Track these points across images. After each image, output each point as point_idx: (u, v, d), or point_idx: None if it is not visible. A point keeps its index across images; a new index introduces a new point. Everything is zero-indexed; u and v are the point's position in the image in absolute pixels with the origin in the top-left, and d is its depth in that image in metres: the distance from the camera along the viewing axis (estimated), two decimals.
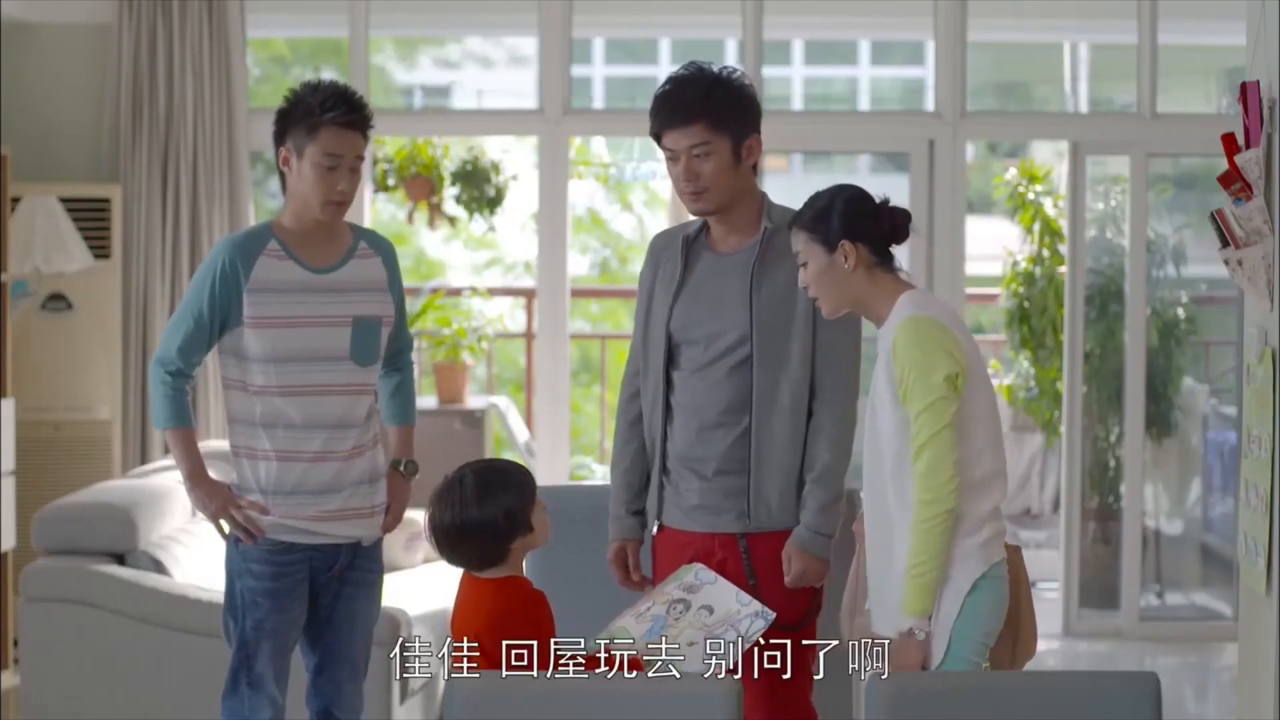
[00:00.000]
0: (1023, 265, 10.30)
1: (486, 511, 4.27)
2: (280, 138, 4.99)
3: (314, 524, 4.98)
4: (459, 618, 4.27)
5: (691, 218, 4.80)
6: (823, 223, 4.25)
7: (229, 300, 4.91)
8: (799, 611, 4.60)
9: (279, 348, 4.91)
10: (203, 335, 4.95)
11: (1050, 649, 8.83)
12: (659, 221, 16.28)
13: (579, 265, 16.69)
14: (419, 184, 9.82)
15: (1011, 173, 10.43)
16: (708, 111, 4.60)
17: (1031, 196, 10.31)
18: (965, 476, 4.14)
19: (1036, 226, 10.30)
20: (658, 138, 4.69)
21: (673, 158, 4.65)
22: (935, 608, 4.11)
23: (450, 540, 4.31)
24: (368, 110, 5.00)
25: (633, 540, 4.84)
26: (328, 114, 4.90)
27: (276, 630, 5.03)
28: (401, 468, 5.38)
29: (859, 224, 4.25)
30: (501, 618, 4.13)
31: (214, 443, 8.11)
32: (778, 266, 4.59)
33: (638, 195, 16.69)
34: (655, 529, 4.81)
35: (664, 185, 12.47)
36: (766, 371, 4.60)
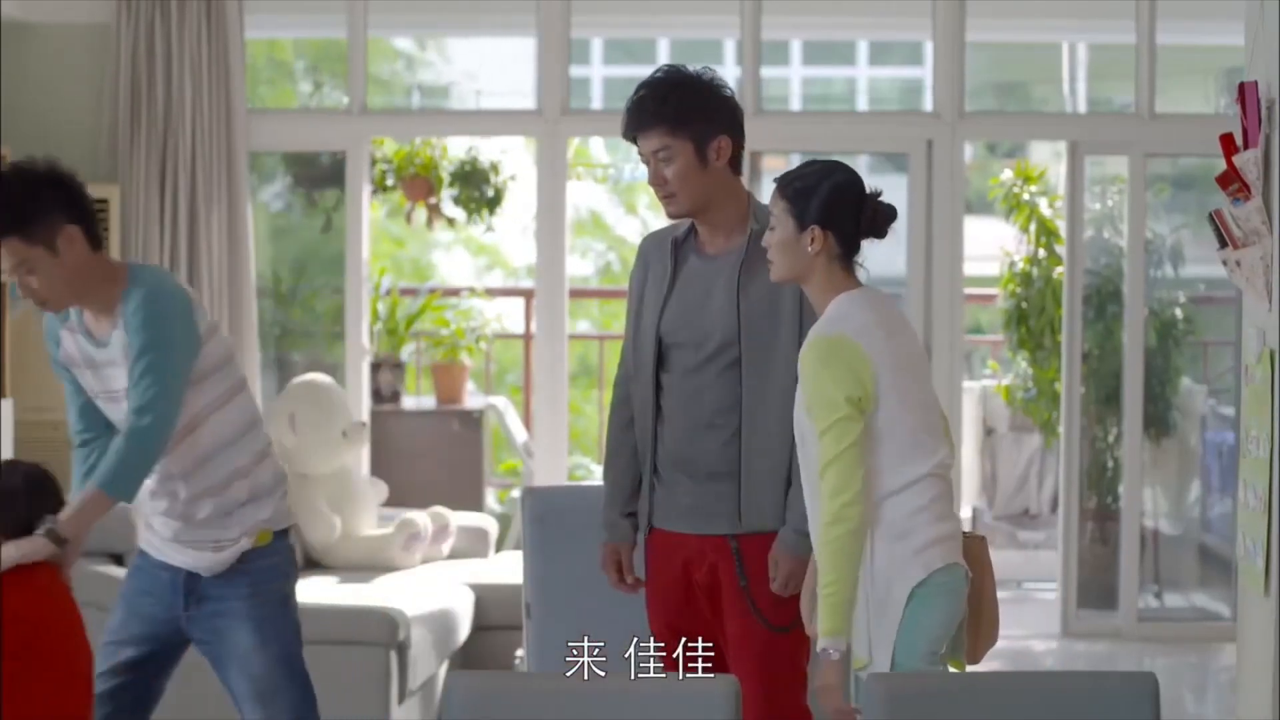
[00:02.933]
0: (1020, 266, 10.31)
1: None
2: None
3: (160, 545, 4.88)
4: None
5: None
6: (803, 200, 4.24)
7: (62, 371, 4.84)
8: (789, 614, 4.60)
9: (103, 415, 4.82)
10: (80, 396, 4.82)
11: (1048, 649, 8.84)
12: (663, 225, 16.24)
13: (582, 267, 16.69)
14: (417, 184, 9.82)
15: (1006, 174, 10.44)
16: (664, 116, 4.61)
17: (1026, 197, 10.31)
18: (883, 487, 4.13)
19: (1032, 227, 10.30)
20: (634, 143, 4.71)
21: (644, 161, 4.68)
22: (865, 622, 4.12)
23: None
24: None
25: (625, 543, 4.84)
26: None
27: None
28: (44, 530, 4.54)
29: (837, 214, 4.23)
30: None
31: None
32: (764, 267, 4.59)
33: (642, 199, 16.71)
34: (646, 531, 4.80)
35: None
36: (754, 373, 4.60)
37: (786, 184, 4.29)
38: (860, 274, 4.30)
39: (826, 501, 4.09)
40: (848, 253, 4.27)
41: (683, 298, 4.69)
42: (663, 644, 4.69)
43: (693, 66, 4.71)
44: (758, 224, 4.62)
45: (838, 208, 4.24)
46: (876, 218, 4.26)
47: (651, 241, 4.85)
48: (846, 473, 4.09)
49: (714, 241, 4.70)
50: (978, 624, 4.30)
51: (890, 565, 4.13)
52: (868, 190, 4.28)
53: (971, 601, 4.25)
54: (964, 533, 4.28)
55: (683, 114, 4.61)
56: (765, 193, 8.97)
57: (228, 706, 6.29)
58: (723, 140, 4.64)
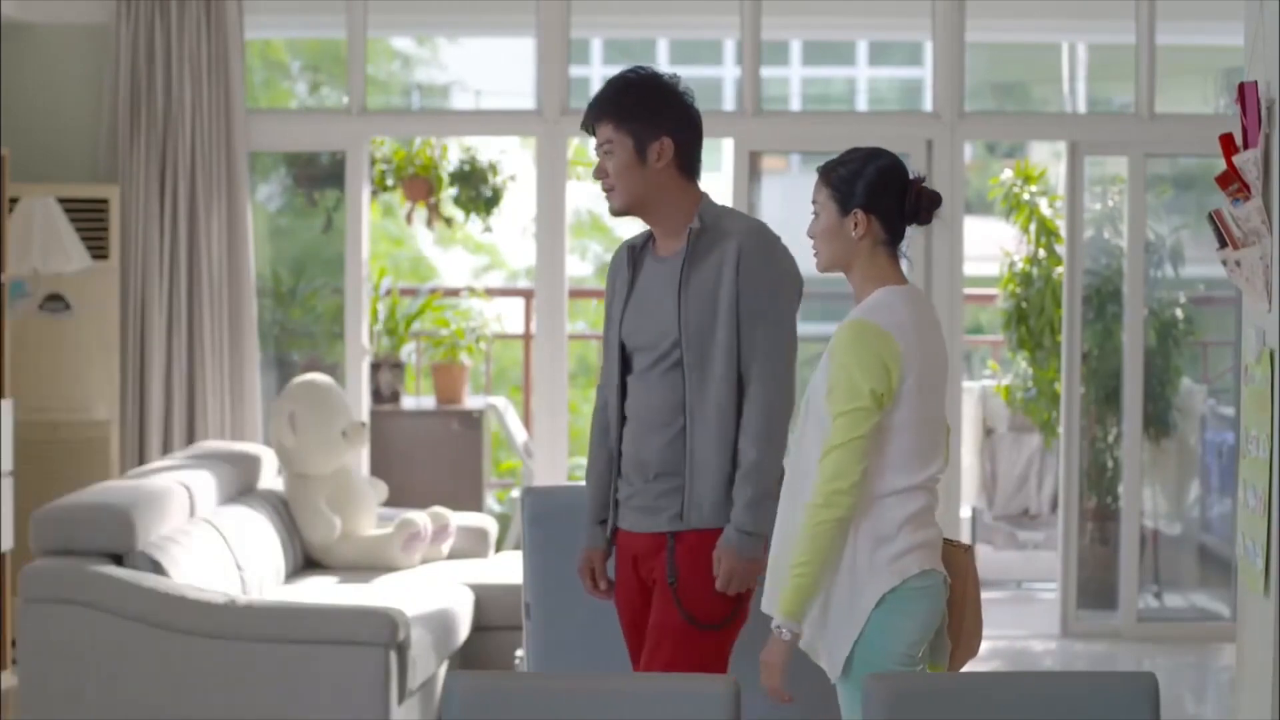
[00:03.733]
0: (1020, 266, 10.30)
1: None
2: None
3: None
4: None
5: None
6: (847, 185, 4.23)
7: None
8: (719, 613, 4.62)
9: None
10: None
11: (1048, 649, 8.84)
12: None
13: (581, 268, 16.68)
14: (417, 184, 9.82)
15: (1006, 174, 10.43)
16: (611, 111, 4.69)
17: (1027, 197, 10.31)
18: (878, 488, 4.13)
19: (1032, 227, 10.29)
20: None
21: (597, 154, 4.75)
22: (828, 619, 4.12)
23: None
24: None
25: (598, 550, 4.88)
26: None
27: None
28: None
29: (881, 198, 4.22)
30: None
31: (211, 443, 8.11)
32: (703, 267, 4.63)
33: None
34: (612, 533, 4.84)
35: None
36: (696, 373, 4.64)
37: (830, 170, 4.28)
38: (903, 264, 4.29)
39: (822, 484, 4.08)
40: (893, 239, 4.26)
41: (638, 302, 4.76)
42: (630, 642, 4.78)
43: (662, 70, 4.77)
44: (701, 224, 4.64)
45: (882, 192, 4.23)
46: (920, 202, 4.25)
47: (620, 249, 4.92)
48: (849, 461, 4.08)
49: (665, 245, 4.77)
50: (958, 633, 4.29)
51: (868, 570, 4.12)
52: (911, 175, 4.28)
53: (953, 610, 4.25)
54: (948, 541, 4.28)
55: (628, 111, 4.69)
56: (766, 192, 8.98)
57: (227, 706, 6.31)
58: (665, 142, 4.69)
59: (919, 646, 4.16)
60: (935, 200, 4.28)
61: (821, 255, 4.30)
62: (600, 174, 4.73)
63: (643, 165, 4.69)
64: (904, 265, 4.31)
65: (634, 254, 4.80)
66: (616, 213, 4.79)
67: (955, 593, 4.26)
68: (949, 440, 4.32)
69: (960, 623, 4.29)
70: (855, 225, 4.22)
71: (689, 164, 4.74)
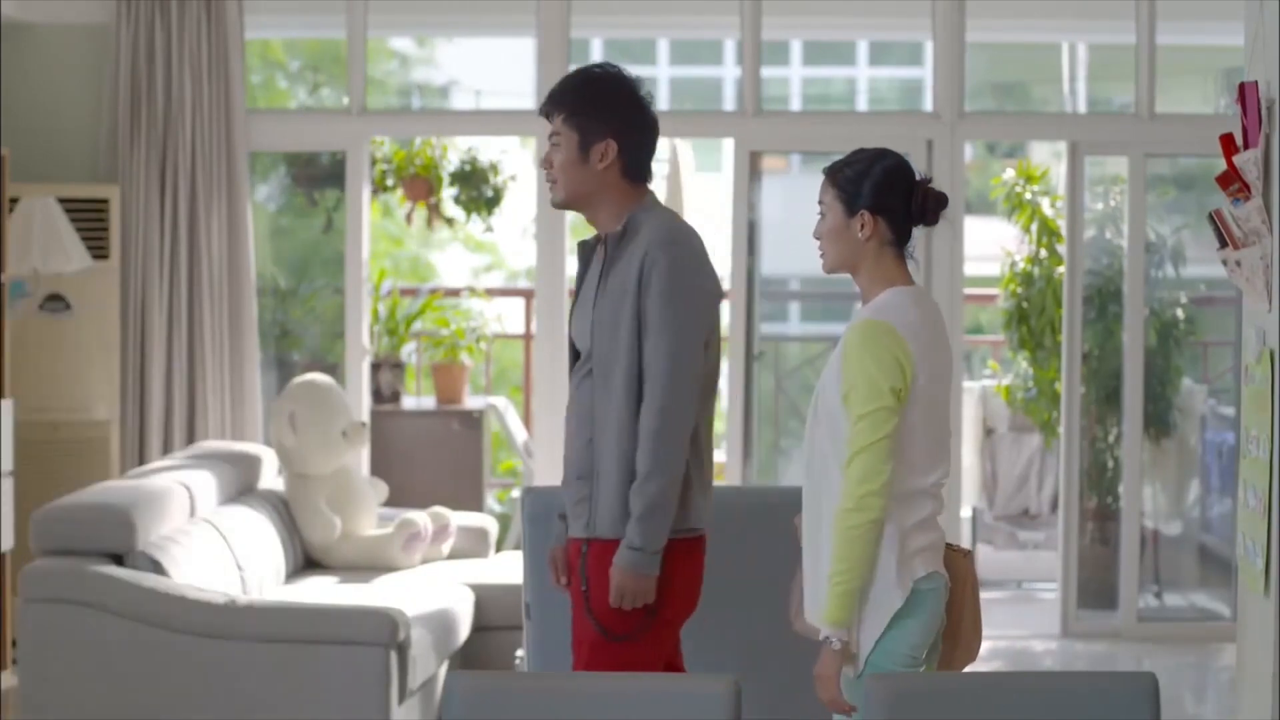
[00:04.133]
0: (1021, 266, 10.30)
1: None
2: None
3: None
4: None
5: None
6: (854, 185, 4.22)
7: None
8: (628, 623, 4.60)
9: None
10: None
11: (1048, 649, 8.84)
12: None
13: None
14: (417, 184, 9.83)
15: (1008, 173, 10.43)
16: (562, 104, 4.70)
17: (1029, 197, 10.31)
18: (896, 488, 4.11)
19: (1034, 227, 10.29)
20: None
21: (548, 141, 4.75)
22: (858, 621, 4.11)
23: None
24: None
25: (559, 545, 4.86)
26: None
27: None
28: None
29: (888, 199, 4.22)
30: None
31: (211, 443, 8.11)
32: (617, 273, 4.62)
33: None
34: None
35: (658, 189, 12.47)
36: (601, 382, 4.63)
37: (836, 171, 4.27)
38: (910, 265, 4.29)
39: (852, 487, 4.06)
40: (899, 240, 4.25)
41: (579, 303, 4.75)
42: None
43: (629, 70, 4.75)
44: (623, 228, 4.64)
45: (890, 191, 4.22)
46: (927, 203, 4.24)
47: (579, 245, 4.91)
48: (878, 462, 4.07)
49: (602, 246, 4.73)
50: (956, 636, 4.29)
51: (883, 572, 4.12)
52: (918, 176, 4.27)
53: (951, 614, 4.25)
54: (949, 545, 4.28)
55: (579, 107, 4.68)
56: (766, 192, 8.99)
57: (228, 706, 6.31)
58: (610, 144, 4.66)
59: (923, 649, 4.16)
60: (942, 201, 4.27)
61: (828, 256, 4.29)
62: (545, 164, 4.73)
63: (585, 163, 4.66)
64: (910, 266, 4.30)
65: (586, 252, 4.78)
66: (557, 205, 4.78)
67: (955, 597, 4.26)
68: (950, 444, 4.32)
69: (959, 627, 4.28)
70: (862, 226, 4.22)
71: (635, 168, 4.70)
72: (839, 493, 4.10)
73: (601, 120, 4.67)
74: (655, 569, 4.56)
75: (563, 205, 4.76)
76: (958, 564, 4.27)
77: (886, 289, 4.23)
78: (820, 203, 4.29)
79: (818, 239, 4.31)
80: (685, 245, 4.64)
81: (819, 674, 4.10)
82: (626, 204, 4.69)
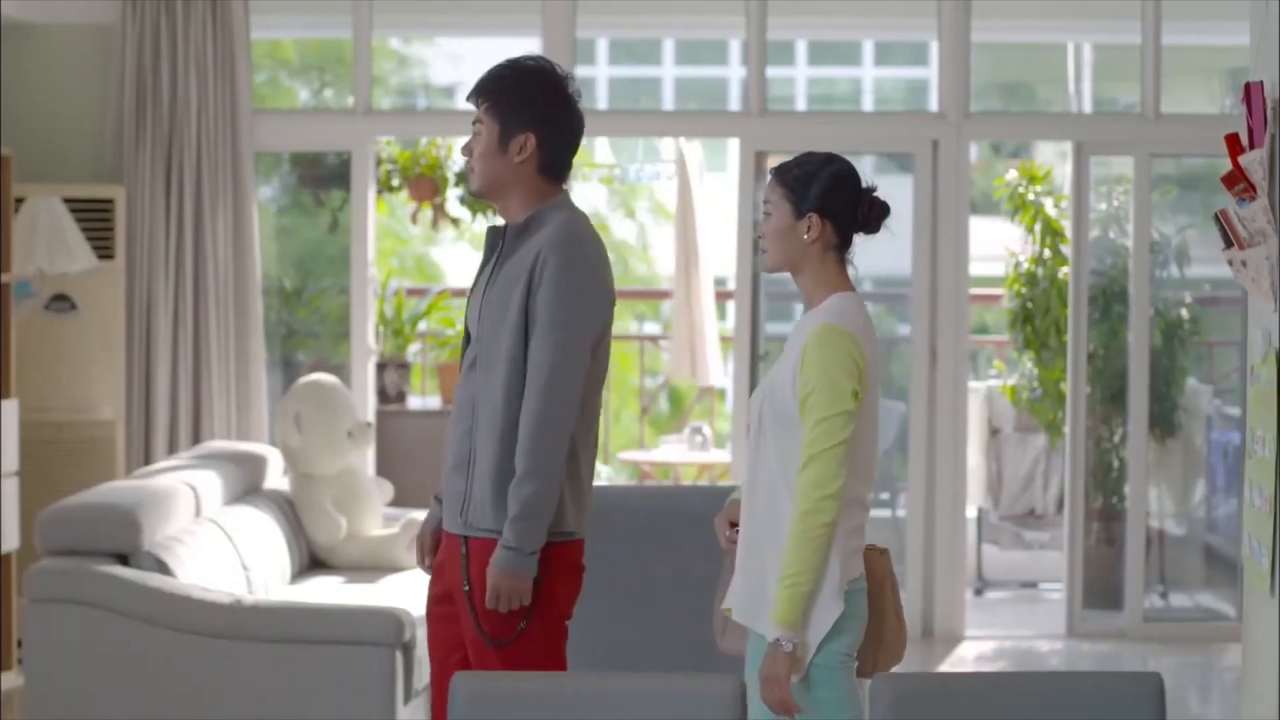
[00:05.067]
0: (1025, 266, 10.30)
1: None
2: None
3: None
4: None
5: None
6: (802, 187, 4.23)
7: None
8: (507, 627, 4.57)
9: None
10: None
11: (1054, 649, 8.84)
12: (663, 230, 16.30)
13: None
14: (423, 185, 9.83)
15: (1011, 174, 10.43)
16: (487, 93, 4.64)
17: (1032, 197, 10.31)
18: (844, 494, 4.11)
19: (1038, 227, 10.29)
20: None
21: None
22: (805, 623, 4.11)
23: None
24: None
25: (432, 527, 4.83)
26: None
27: None
28: None
29: (835, 203, 4.22)
30: None
31: (216, 443, 8.12)
32: (512, 265, 4.59)
33: (641, 202, 16.70)
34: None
35: (668, 189, 12.48)
36: (483, 374, 4.59)
37: (785, 171, 4.27)
38: (850, 272, 4.29)
39: (810, 489, 4.07)
40: (842, 245, 4.26)
41: (475, 291, 4.71)
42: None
43: (561, 68, 4.72)
44: (523, 223, 4.61)
45: (838, 196, 4.23)
46: (872, 211, 4.25)
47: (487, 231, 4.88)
48: (836, 465, 4.07)
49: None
50: (879, 636, 4.28)
51: (829, 577, 4.12)
52: (864, 184, 4.28)
53: (873, 615, 4.26)
54: (867, 545, 4.28)
55: (502, 98, 4.63)
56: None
57: (233, 706, 6.31)
58: (529, 138, 4.62)
59: (856, 646, 4.19)
60: (885, 210, 4.28)
61: (771, 255, 4.29)
62: (465, 151, 4.68)
63: (503, 154, 4.62)
64: (851, 273, 4.30)
65: (492, 239, 4.73)
66: (474, 193, 4.75)
67: (876, 597, 4.26)
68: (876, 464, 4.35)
69: (882, 628, 4.28)
70: (809, 228, 4.22)
71: (552, 165, 4.66)
72: (795, 495, 4.10)
73: (523, 113, 4.62)
74: (532, 569, 4.51)
75: (479, 194, 4.70)
76: (876, 563, 4.28)
77: (831, 294, 4.23)
78: (766, 201, 4.30)
79: (761, 237, 4.31)
80: (581, 247, 4.59)
81: (767, 676, 4.09)
82: (537, 199, 4.65)
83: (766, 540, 4.17)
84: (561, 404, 4.52)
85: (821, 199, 4.22)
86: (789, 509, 4.12)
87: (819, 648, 4.12)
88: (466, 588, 4.58)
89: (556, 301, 4.51)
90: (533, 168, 4.63)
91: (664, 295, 11.41)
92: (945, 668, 8.43)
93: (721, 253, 9.81)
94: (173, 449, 8.46)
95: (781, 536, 4.12)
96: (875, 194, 4.27)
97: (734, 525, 4.34)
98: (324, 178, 10.20)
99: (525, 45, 9.07)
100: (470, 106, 4.69)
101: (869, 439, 4.19)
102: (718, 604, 4.39)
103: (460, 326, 10.11)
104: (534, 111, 4.63)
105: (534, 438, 4.50)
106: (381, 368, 9.59)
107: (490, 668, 4.53)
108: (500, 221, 4.73)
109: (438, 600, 4.74)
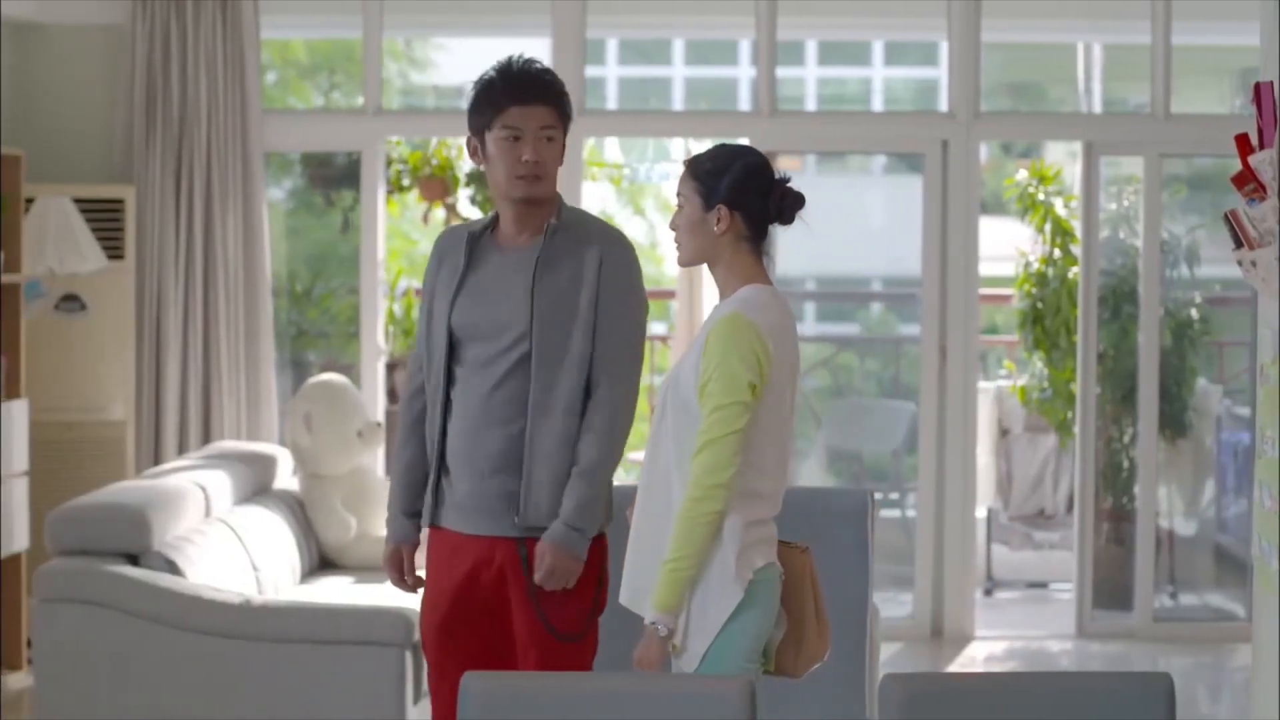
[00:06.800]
0: (1035, 266, 10.29)
1: None
2: None
3: None
4: None
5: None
6: (713, 179, 4.25)
7: None
8: (579, 621, 4.60)
9: None
10: None
11: (1064, 649, 8.84)
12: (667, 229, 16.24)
13: None
14: (433, 185, 9.83)
15: (1021, 174, 10.43)
16: (554, 99, 4.64)
17: (1042, 197, 10.30)
18: (741, 485, 4.12)
19: (1047, 227, 10.29)
20: (495, 114, 4.62)
21: (516, 136, 4.61)
22: (699, 612, 4.11)
23: None
24: None
25: (408, 543, 4.81)
26: None
27: None
28: None
29: (745, 195, 4.24)
30: None
31: (226, 443, 8.12)
32: (561, 264, 4.59)
33: (649, 200, 16.71)
34: (427, 528, 4.77)
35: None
36: (544, 370, 4.58)
37: (697, 164, 4.31)
38: (766, 264, 4.30)
39: (701, 476, 4.08)
40: (756, 236, 4.28)
41: (477, 291, 4.67)
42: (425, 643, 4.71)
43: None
44: (558, 220, 4.63)
45: (748, 188, 4.25)
46: (785, 202, 4.27)
47: (447, 238, 4.82)
48: (728, 455, 4.09)
49: (517, 237, 4.69)
50: (800, 635, 4.28)
51: (722, 566, 4.12)
52: (777, 176, 4.29)
53: (792, 614, 4.25)
54: (785, 542, 4.29)
55: (565, 104, 4.67)
56: None
57: (243, 706, 6.31)
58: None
59: (763, 640, 4.19)
60: (800, 201, 4.30)
61: (684, 248, 4.33)
62: (536, 158, 4.60)
63: (561, 161, 4.70)
64: (767, 264, 4.31)
65: (472, 241, 4.71)
66: (535, 198, 4.65)
67: (794, 596, 4.26)
68: (790, 464, 4.34)
69: (802, 628, 4.28)
70: (719, 220, 4.24)
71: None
72: (686, 481, 4.11)
73: (569, 119, 4.70)
74: (585, 554, 4.56)
75: (539, 197, 4.63)
76: (796, 561, 4.29)
77: (744, 285, 4.24)
78: (679, 194, 4.33)
79: (674, 230, 4.34)
80: (634, 247, 4.73)
81: (641, 659, 4.11)
82: (556, 197, 4.72)
83: (658, 527, 4.19)
84: (632, 399, 4.65)
85: (730, 191, 4.24)
86: (680, 497, 4.14)
87: (715, 639, 4.11)
88: (533, 591, 4.58)
89: (628, 302, 4.63)
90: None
91: (669, 295, 11.43)
92: (955, 668, 8.43)
93: None
94: (183, 449, 8.47)
95: (671, 524, 4.14)
96: (789, 185, 4.29)
97: None
98: (334, 178, 10.21)
99: (535, 45, 9.08)
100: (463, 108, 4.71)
101: (775, 432, 4.20)
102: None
103: None
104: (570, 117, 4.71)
105: (610, 427, 4.58)
106: (391, 368, 9.60)
107: (563, 667, 4.54)
108: (456, 226, 4.76)
109: (439, 629, 4.73)
